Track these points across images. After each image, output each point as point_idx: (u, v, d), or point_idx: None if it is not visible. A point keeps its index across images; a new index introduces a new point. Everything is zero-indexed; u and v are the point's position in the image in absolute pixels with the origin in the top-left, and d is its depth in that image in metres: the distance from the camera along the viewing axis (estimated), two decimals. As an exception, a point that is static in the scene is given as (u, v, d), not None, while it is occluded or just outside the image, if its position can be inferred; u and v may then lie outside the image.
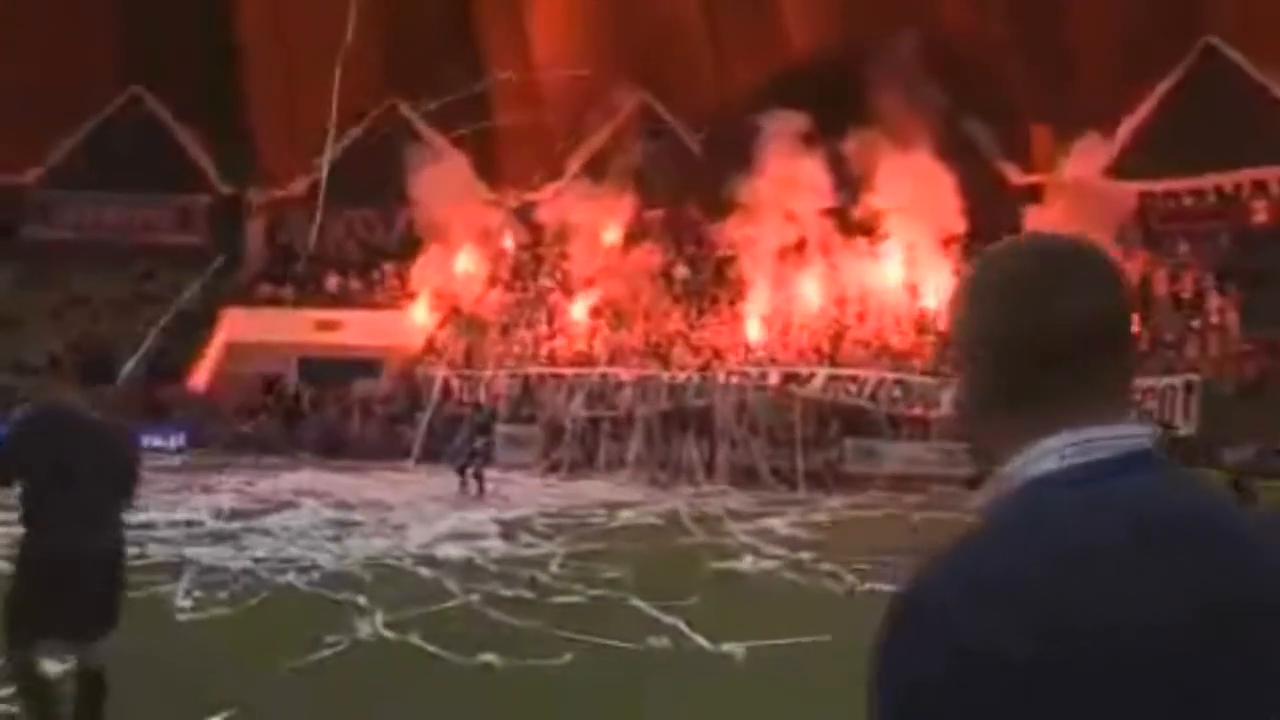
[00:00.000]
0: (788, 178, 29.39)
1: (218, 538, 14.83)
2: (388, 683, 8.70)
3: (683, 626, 10.33)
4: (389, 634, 9.80)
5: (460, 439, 23.97)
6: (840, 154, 29.53)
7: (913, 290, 30.33)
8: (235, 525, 15.94)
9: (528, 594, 11.71)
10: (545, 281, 35.39)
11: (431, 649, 9.31)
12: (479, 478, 21.98)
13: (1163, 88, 31.46)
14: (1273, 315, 25.78)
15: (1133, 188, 29.91)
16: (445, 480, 22.46)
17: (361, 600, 11.02)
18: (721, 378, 28.53)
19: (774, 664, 9.13)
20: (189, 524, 16.00)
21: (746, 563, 14.23)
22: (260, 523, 16.27)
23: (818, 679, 8.74)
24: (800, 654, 9.31)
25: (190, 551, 13.55)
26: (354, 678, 8.78)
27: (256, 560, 13.13)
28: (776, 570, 13.63)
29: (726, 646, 9.62)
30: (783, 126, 29.88)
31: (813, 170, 29.49)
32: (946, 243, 29.14)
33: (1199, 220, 29.85)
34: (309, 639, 9.34)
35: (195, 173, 41.50)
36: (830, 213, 30.23)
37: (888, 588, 12.48)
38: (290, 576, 12.33)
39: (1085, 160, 29.83)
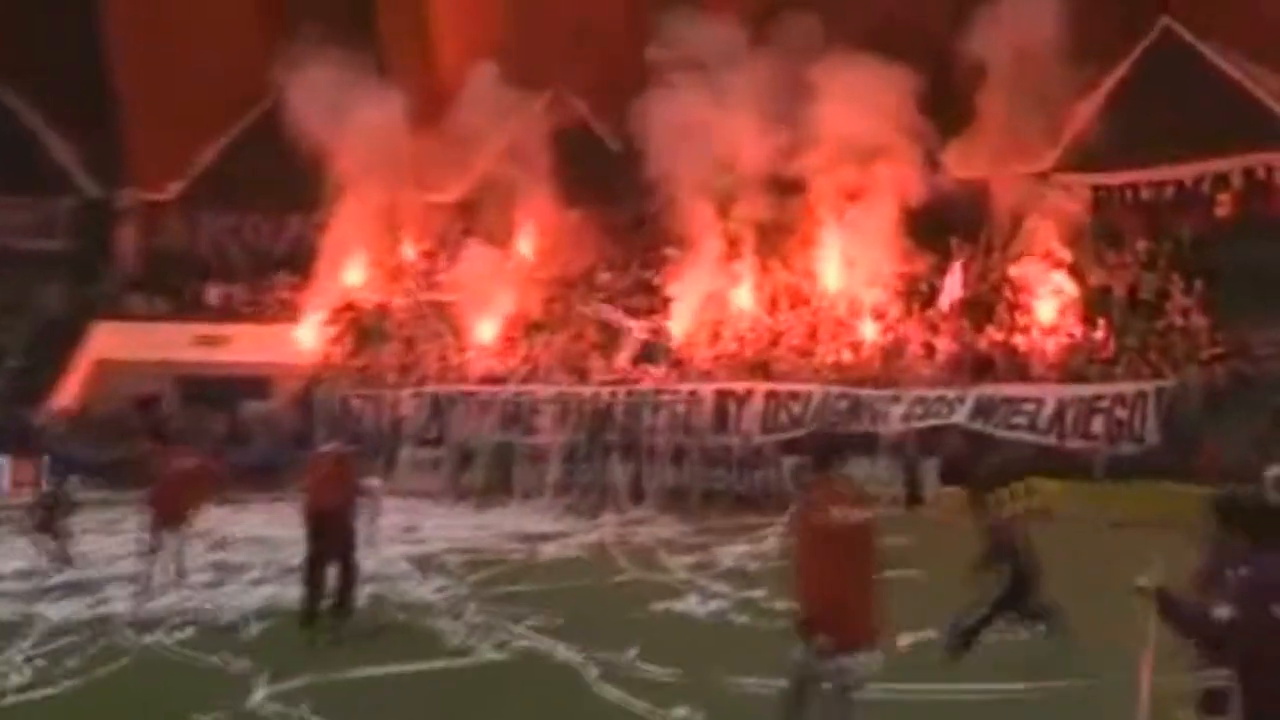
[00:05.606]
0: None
1: (72, 589, 13.48)
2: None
3: (621, 689, 9.31)
4: (277, 708, 8.62)
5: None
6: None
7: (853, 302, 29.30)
8: (94, 573, 14.58)
9: (439, 651, 10.61)
10: (452, 291, 34.00)
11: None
12: (54, 533, 15.21)
13: (1117, 74, 31.01)
14: (1241, 315, 25.31)
15: (1086, 181, 29.51)
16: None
17: (244, 665, 9.84)
18: (648, 391, 27.52)
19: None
20: (39, 573, 14.57)
21: (690, 603, 13.21)
22: (124, 569, 14.87)
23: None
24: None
25: (37, 608, 12.24)
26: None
27: (116, 616, 11.84)
28: (724, 611, 12.65)
29: (679, 711, 8.61)
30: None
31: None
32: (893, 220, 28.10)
33: (1158, 215, 29.44)
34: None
35: (58, 173, 39.64)
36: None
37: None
38: (158, 635, 11.10)
39: (1035, 153, 29.32)
